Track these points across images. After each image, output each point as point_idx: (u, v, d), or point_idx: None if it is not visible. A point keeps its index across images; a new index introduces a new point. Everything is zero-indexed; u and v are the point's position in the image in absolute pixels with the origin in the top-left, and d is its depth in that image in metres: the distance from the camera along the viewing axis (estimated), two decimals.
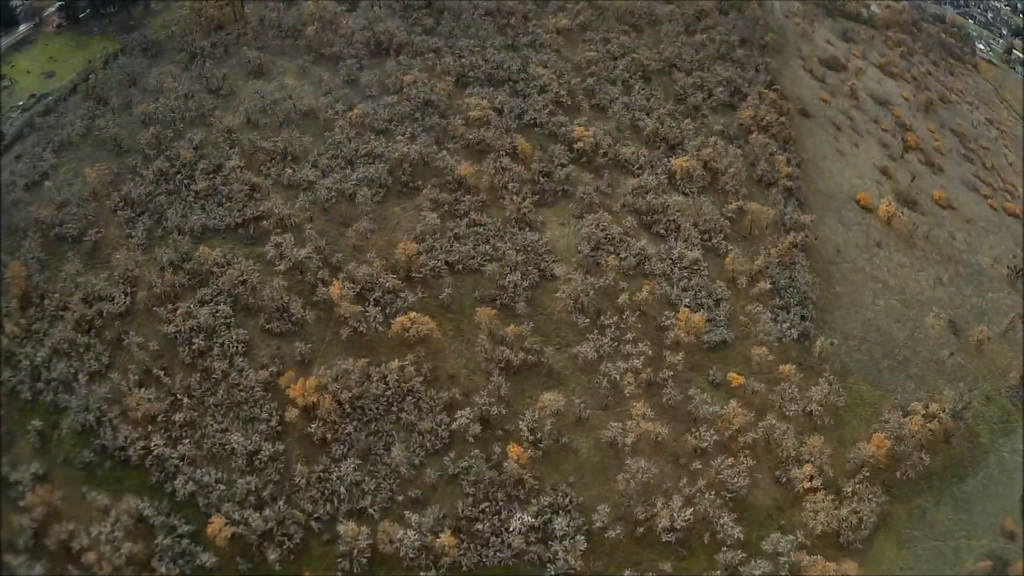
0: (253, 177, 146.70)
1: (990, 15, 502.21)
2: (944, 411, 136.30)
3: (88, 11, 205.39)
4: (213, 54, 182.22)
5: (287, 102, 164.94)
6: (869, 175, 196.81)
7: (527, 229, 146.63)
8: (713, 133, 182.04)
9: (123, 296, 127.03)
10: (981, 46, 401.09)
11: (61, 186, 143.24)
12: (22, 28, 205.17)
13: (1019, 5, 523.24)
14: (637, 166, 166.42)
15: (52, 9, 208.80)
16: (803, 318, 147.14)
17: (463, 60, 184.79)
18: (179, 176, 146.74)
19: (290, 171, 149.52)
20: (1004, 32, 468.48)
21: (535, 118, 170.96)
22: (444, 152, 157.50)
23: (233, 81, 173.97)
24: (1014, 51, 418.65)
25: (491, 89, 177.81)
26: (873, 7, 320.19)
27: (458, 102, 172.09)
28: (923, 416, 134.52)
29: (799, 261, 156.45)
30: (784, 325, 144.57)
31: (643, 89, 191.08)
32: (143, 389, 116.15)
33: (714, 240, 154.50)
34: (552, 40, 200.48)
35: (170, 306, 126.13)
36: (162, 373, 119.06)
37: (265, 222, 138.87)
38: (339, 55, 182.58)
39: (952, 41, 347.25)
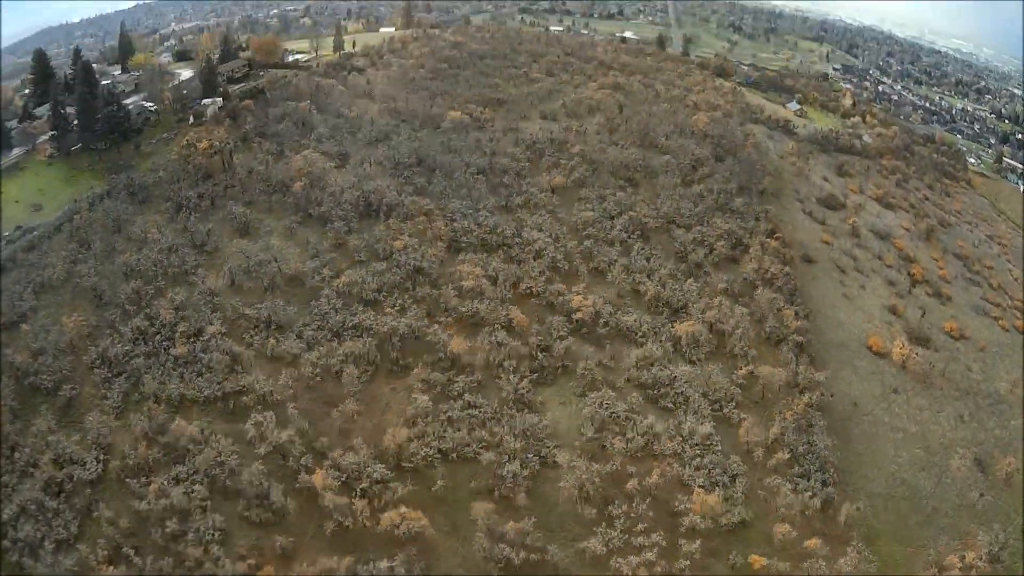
0: (235, 346, 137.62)
1: (976, 126, 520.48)
2: (981, 558, 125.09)
3: (79, 145, 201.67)
4: (199, 206, 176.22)
5: (272, 265, 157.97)
6: (879, 316, 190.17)
7: (526, 411, 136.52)
8: (717, 292, 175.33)
9: (95, 463, 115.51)
10: (972, 160, 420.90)
11: (39, 332, 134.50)
12: (15, 152, 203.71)
13: (1003, 111, 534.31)
14: (640, 335, 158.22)
15: (45, 137, 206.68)
16: (824, 484, 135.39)
17: (455, 224, 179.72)
18: (158, 337, 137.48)
19: (273, 341, 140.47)
20: (992, 141, 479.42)
21: (531, 287, 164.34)
22: (436, 326, 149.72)
23: (218, 238, 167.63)
24: (1004, 159, 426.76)
25: (485, 255, 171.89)
26: (865, 137, 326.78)
27: (450, 270, 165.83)
28: (960, 569, 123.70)
29: (816, 423, 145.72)
30: (806, 495, 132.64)
31: (642, 249, 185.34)
32: (112, 567, 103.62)
33: (725, 410, 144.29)
34: (547, 200, 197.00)
35: (143, 479, 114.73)
36: (133, 552, 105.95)
37: (246, 397, 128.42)
38: (327, 216, 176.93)
39: (944, 160, 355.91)
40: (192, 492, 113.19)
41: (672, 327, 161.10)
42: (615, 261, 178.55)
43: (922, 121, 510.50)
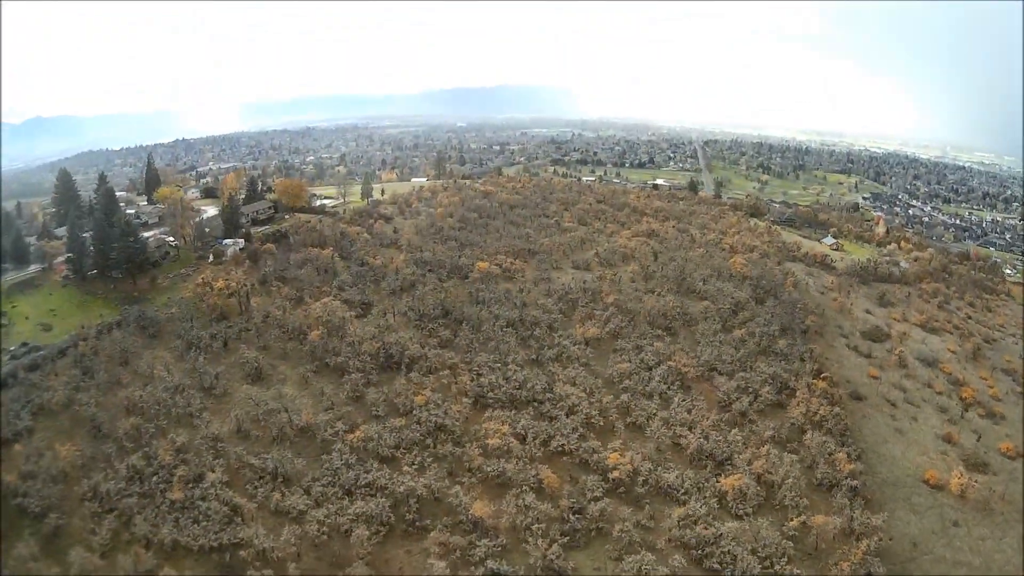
0: (236, 496, 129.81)
1: (1008, 236, 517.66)
2: None
3: (95, 271, 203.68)
4: (211, 348, 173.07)
5: (283, 414, 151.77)
6: (933, 447, 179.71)
7: None
8: (764, 441, 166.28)
9: None
10: (1008, 271, 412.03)
11: (31, 454, 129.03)
12: (32, 268, 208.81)
13: None
14: (682, 492, 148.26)
15: (62, 258, 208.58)
16: None
17: (482, 379, 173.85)
18: (155, 478, 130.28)
19: (279, 495, 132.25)
20: None
21: (563, 444, 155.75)
22: (457, 487, 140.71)
23: (228, 382, 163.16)
24: None
25: (513, 412, 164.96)
26: (903, 263, 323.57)
27: (475, 427, 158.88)
28: None
29: (875, 571, 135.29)
30: None
31: (683, 400, 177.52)
32: None
33: (777, 567, 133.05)
34: (580, 352, 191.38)
35: None
36: None
37: (244, 552, 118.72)
38: (344, 366, 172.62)
39: (982, 275, 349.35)
40: None
41: (717, 481, 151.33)
42: (654, 414, 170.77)
43: (954, 239, 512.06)
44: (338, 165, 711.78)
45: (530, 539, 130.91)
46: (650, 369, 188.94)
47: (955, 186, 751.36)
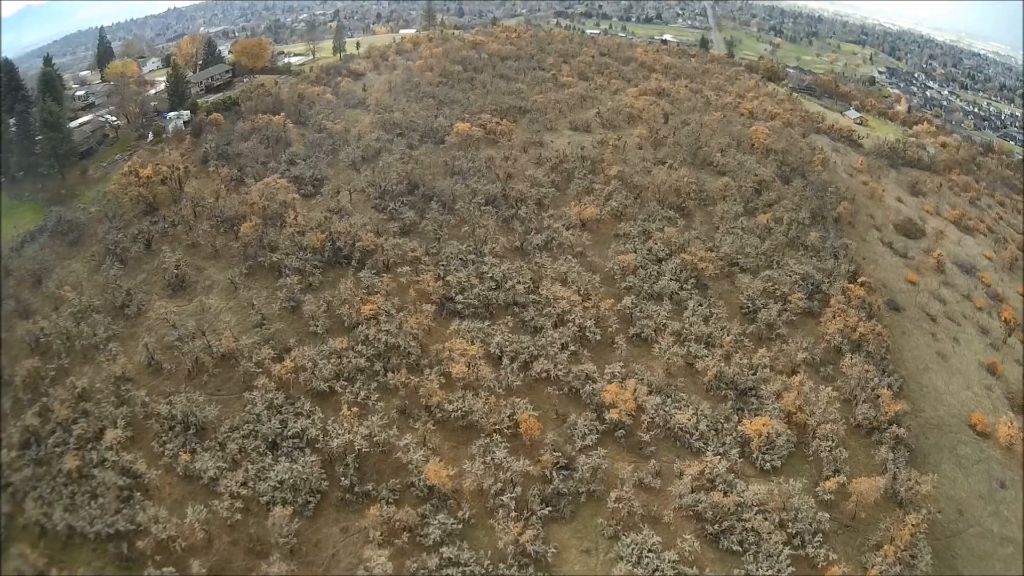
0: (138, 460, 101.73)
1: None
2: None
3: (23, 172, 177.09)
4: (129, 252, 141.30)
5: (200, 339, 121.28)
6: (977, 380, 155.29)
7: (531, 567, 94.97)
8: (795, 365, 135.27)
9: None
10: None
11: None
12: None
13: None
14: (696, 436, 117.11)
15: None
16: None
17: (450, 277, 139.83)
18: (51, 440, 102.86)
19: (187, 455, 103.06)
20: None
21: (548, 370, 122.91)
22: (409, 436, 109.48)
23: (145, 296, 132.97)
24: None
25: (487, 322, 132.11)
26: (930, 149, 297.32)
27: (437, 345, 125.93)
28: None
29: (921, 554, 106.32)
30: None
31: (700, 306, 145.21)
32: None
33: (809, 548, 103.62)
34: (574, 239, 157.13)
35: None
36: None
37: (142, 542, 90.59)
38: (281, 266, 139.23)
39: (1009, 173, 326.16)
40: None
41: (739, 423, 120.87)
42: (664, 326, 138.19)
43: (974, 128, 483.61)
44: (331, 20, 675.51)
45: (500, 512, 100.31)
46: (659, 262, 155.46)
47: (972, 72, 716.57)
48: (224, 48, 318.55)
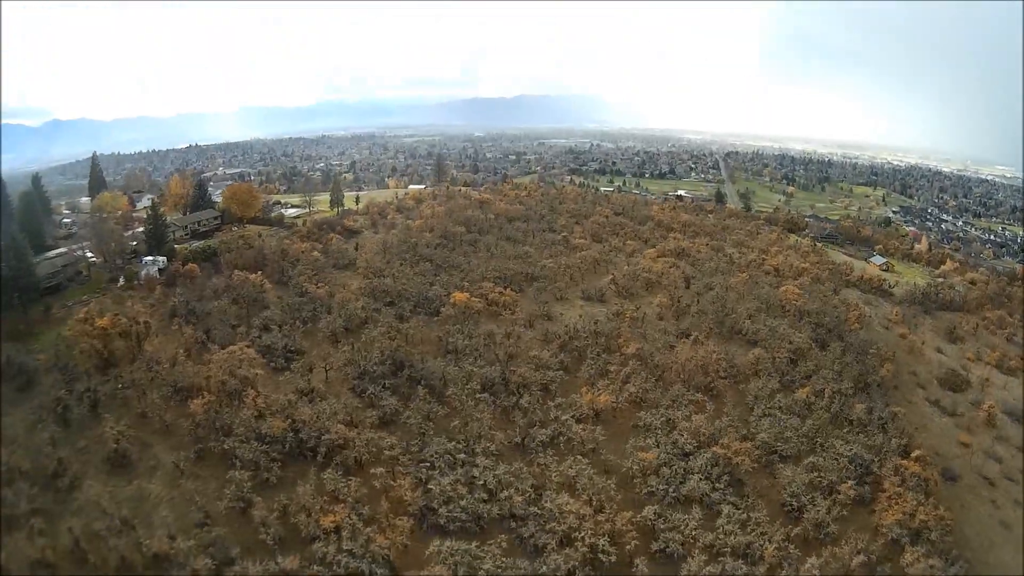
0: None
1: None
2: None
3: None
4: (72, 412, 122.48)
5: (132, 535, 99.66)
6: None
7: None
8: (850, 570, 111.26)
9: None
10: None
11: None
12: None
13: None
14: None
15: None
16: None
17: (433, 484, 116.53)
18: None
19: None
20: None
21: None
22: None
23: (82, 467, 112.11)
24: None
25: (476, 542, 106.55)
26: (958, 287, 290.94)
27: (413, 572, 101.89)
28: None
29: None
30: None
31: (737, 510, 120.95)
32: None
33: None
34: (587, 434, 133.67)
35: None
36: None
37: None
38: (232, 453, 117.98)
39: None
40: None
41: None
42: (694, 538, 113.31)
43: (994, 256, 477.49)
44: (347, 172, 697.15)
45: None
46: (687, 457, 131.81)
47: (983, 199, 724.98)
48: (217, 192, 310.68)
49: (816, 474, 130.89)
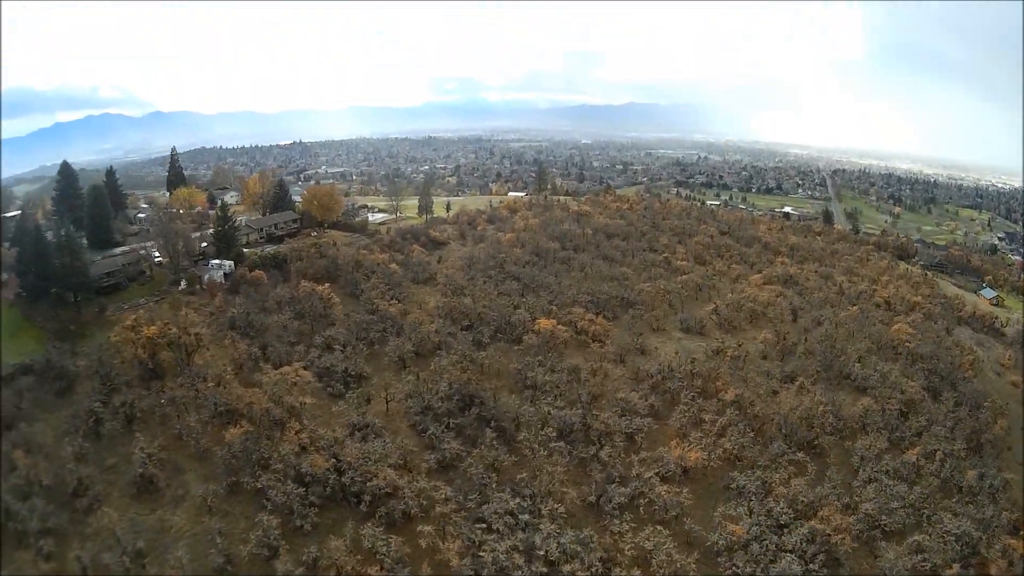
0: None
1: None
2: None
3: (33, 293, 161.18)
4: (105, 425, 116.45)
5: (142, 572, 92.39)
6: None
7: None
8: None
9: None
10: None
11: None
12: None
13: None
14: None
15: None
16: None
17: (485, 549, 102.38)
18: None
19: None
20: None
21: None
22: None
23: (106, 487, 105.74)
24: None
25: None
26: None
27: None
28: None
29: None
30: None
31: None
32: None
33: None
34: (671, 496, 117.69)
35: None
36: None
37: None
38: (267, 494, 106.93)
39: None
40: None
41: None
42: None
43: None
44: (451, 175, 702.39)
45: None
46: (781, 530, 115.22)
47: None
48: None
49: (921, 556, 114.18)
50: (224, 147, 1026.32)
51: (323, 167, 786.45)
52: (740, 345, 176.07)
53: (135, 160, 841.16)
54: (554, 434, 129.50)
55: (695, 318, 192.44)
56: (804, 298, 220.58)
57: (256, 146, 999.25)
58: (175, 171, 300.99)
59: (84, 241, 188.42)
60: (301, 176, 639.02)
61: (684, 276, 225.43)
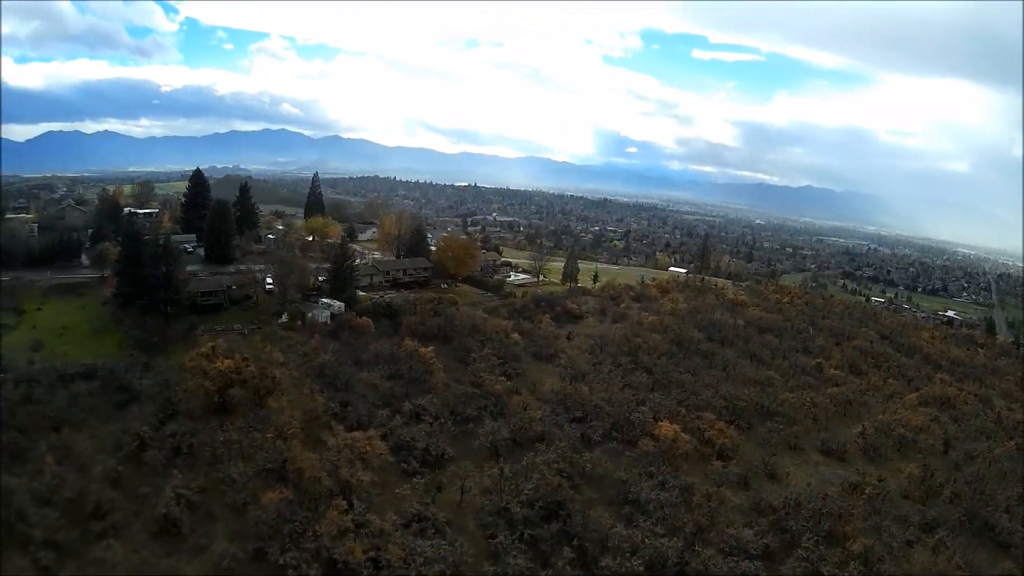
0: None
1: None
2: None
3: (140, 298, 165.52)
4: (144, 454, 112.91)
5: None
6: None
7: None
8: None
9: None
10: None
11: None
12: (86, 271, 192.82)
13: None
14: None
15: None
16: None
17: None
18: None
19: None
20: None
21: None
22: None
23: (127, 518, 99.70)
24: None
25: None
26: None
27: None
28: None
29: None
30: None
31: None
32: None
33: None
34: None
35: None
36: None
37: None
38: (288, 571, 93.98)
39: None
40: None
41: None
42: None
43: None
44: (619, 240, 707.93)
45: None
46: None
47: None
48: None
49: None
50: (398, 179, 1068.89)
51: (494, 214, 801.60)
52: (881, 480, 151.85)
53: (305, 177, 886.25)
54: (642, 568, 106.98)
55: (838, 440, 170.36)
56: (959, 425, 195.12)
57: (430, 183, 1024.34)
58: (314, 196, 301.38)
59: (201, 253, 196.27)
60: (469, 220, 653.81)
61: (835, 388, 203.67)
